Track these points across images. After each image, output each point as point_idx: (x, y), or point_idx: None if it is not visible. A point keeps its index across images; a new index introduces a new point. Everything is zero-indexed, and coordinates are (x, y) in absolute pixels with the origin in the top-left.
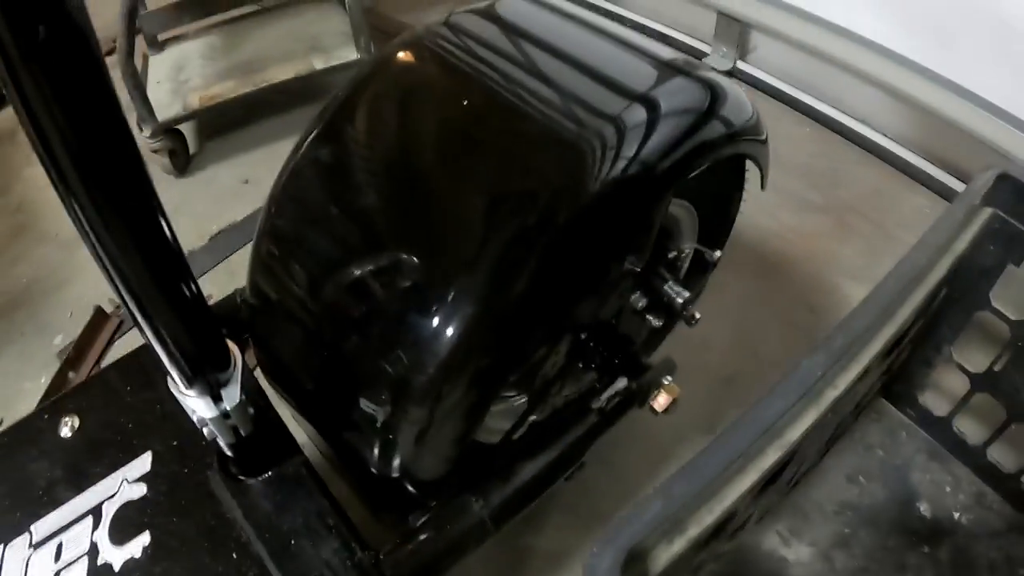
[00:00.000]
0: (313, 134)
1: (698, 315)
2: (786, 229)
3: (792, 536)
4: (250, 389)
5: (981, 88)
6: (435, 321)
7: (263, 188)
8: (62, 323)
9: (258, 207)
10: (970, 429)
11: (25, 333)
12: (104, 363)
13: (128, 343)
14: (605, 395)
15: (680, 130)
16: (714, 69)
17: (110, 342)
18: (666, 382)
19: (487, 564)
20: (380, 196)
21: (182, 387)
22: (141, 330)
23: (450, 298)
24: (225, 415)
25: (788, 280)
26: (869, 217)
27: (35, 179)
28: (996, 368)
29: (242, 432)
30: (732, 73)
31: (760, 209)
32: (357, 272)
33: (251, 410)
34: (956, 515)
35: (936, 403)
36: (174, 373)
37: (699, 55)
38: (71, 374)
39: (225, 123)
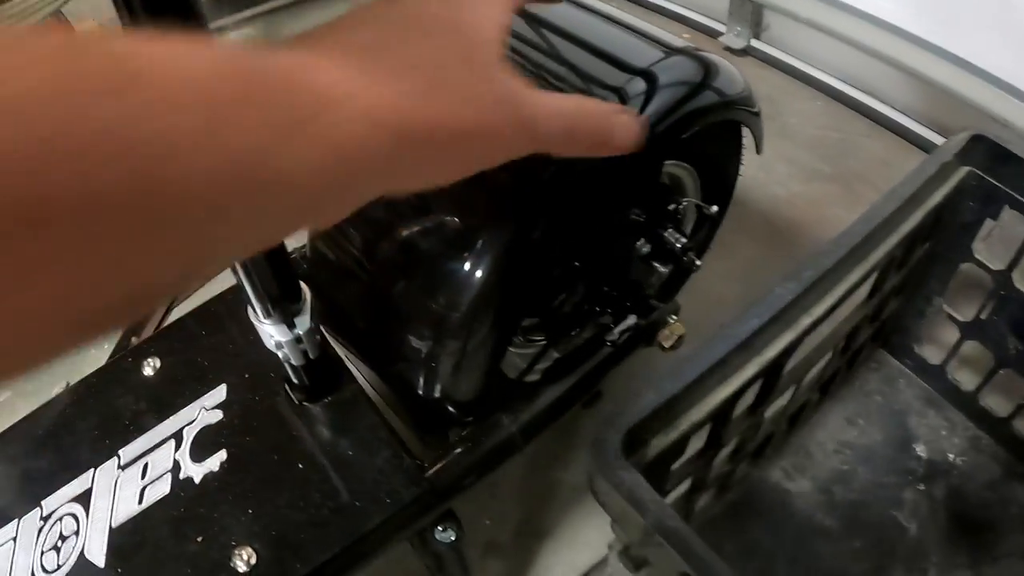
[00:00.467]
0: None
1: (699, 262)
2: (796, 197)
3: (795, 471)
4: (317, 322)
5: (984, 62)
6: (466, 267)
7: None
8: None
9: None
10: (964, 377)
11: None
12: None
13: (184, 309)
14: (617, 330)
15: (675, 98)
16: (728, 48)
17: (168, 309)
18: (671, 320)
19: (522, 495)
20: None
21: (263, 316)
22: (235, 271)
23: (478, 247)
24: (298, 339)
25: (796, 244)
26: (876, 185)
27: None
28: (983, 316)
29: (311, 355)
30: (746, 51)
31: (772, 179)
32: (402, 228)
33: (318, 336)
34: (952, 457)
35: (931, 352)
36: (257, 304)
37: (715, 34)
38: (133, 339)
39: None
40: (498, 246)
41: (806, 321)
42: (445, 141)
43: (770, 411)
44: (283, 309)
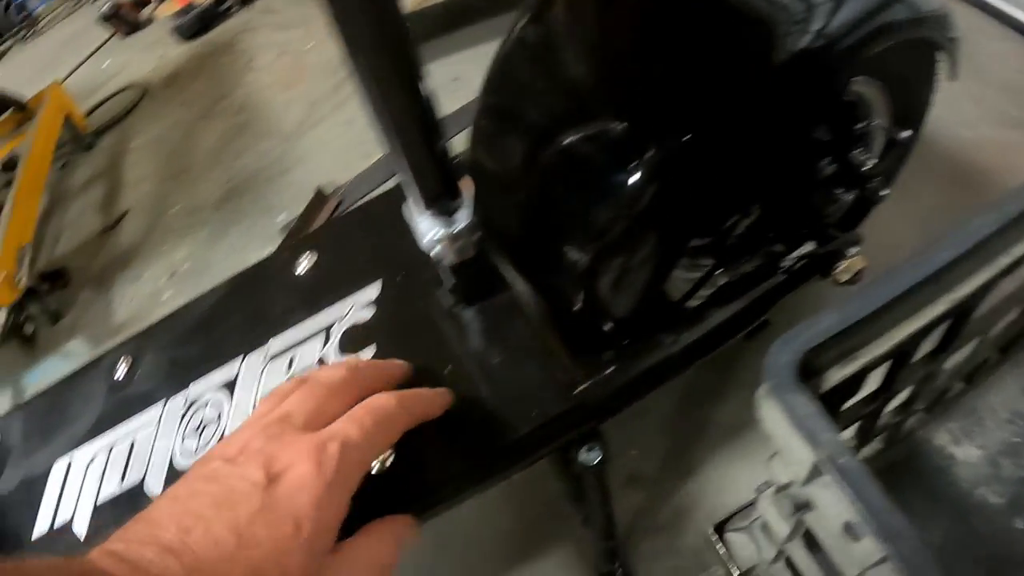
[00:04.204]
0: (522, 20)
1: (884, 191)
2: (986, 142)
3: (963, 436)
4: (475, 221)
5: None
6: (633, 177)
7: (471, 84)
8: (284, 204)
9: (468, 101)
10: None
11: (250, 214)
12: None
13: None
14: (793, 255)
15: (865, 9)
16: None
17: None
18: (851, 253)
19: (672, 429)
20: (584, 68)
21: (419, 211)
22: (395, 160)
23: (647, 156)
24: (454, 237)
25: (983, 192)
26: None
27: (255, 83)
28: None
29: (466, 255)
30: None
31: (959, 120)
32: (564, 134)
33: (475, 237)
34: None
35: None
36: (414, 198)
37: None
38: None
39: (434, 28)
40: (669, 156)
41: (1004, 261)
42: None
43: (949, 363)
44: (441, 205)
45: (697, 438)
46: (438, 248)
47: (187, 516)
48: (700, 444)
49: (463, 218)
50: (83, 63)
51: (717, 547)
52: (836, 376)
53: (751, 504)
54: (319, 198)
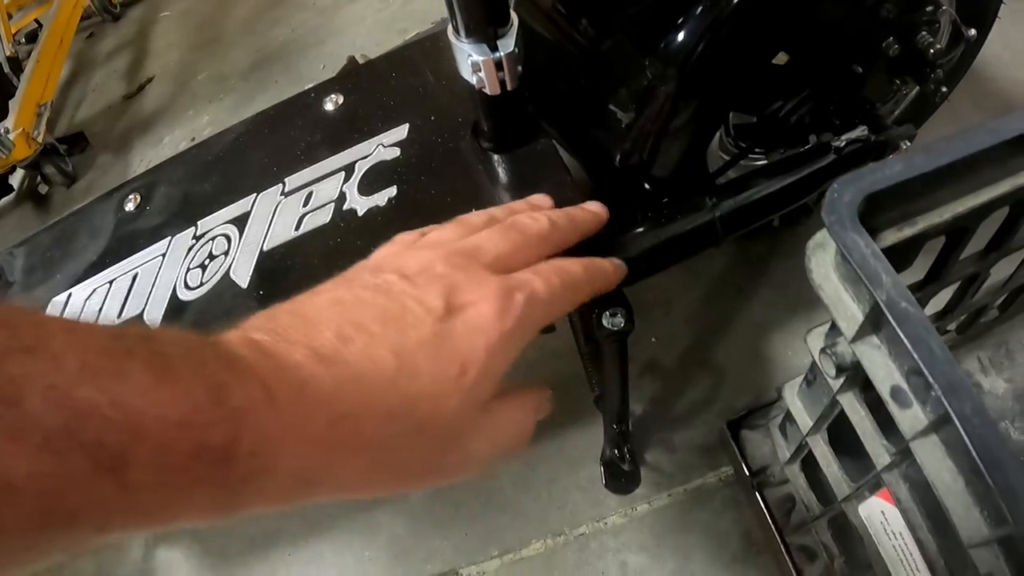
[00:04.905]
0: None
1: (945, 89)
2: None
3: (991, 367)
4: (521, 50)
5: None
6: (680, 35)
7: None
8: (315, 74)
9: None
10: None
11: (279, 81)
12: None
13: None
14: (844, 137)
15: None
16: None
17: None
18: (904, 147)
19: (696, 322)
20: None
21: (464, 32)
22: None
23: (698, 11)
24: (498, 64)
25: None
26: None
27: None
28: None
29: (508, 85)
30: None
31: (1018, 61)
32: None
33: (519, 68)
34: None
35: None
36: (460, 17)
37: None
38: None
39: None
40: (723, 11)
41: None
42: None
43: (994, 272)
44: (487, 30)
45: (720, 335)
46: (479, 75)
47: (348, 324)
48: (721, 340)
49: (508, 44)
50: None
51: (730, 444)
52: (892, 238)
53: (770, 404)
54: (351, 65)
